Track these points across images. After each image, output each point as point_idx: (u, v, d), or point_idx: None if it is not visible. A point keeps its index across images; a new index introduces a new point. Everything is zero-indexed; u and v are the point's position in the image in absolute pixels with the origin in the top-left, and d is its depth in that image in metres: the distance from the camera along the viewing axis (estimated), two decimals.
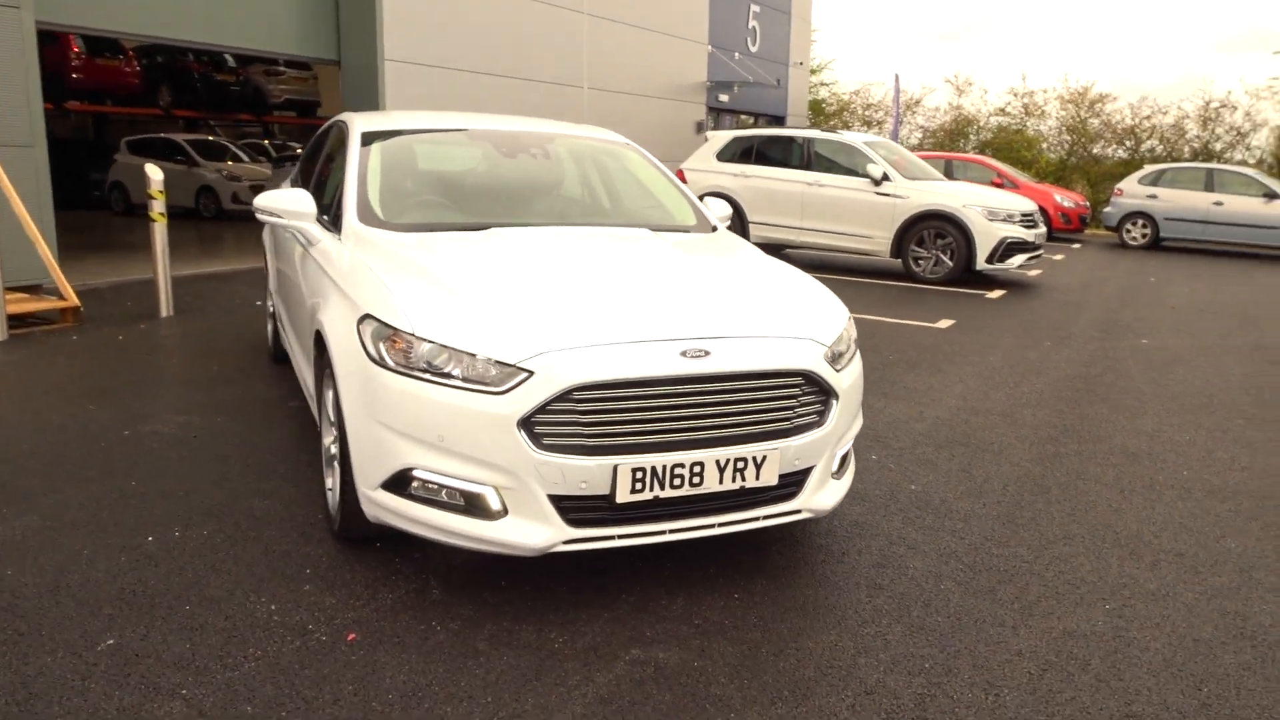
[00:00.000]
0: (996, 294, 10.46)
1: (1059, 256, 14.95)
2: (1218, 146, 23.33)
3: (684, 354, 2.85)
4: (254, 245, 12.32)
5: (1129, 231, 17.47)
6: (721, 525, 2.99)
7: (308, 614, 2.86)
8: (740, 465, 2.92)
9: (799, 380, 3.03)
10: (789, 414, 3.02)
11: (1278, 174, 19.75)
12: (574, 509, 2.79)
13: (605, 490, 2.77)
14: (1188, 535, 3.75)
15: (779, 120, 22.27)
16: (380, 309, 2.99)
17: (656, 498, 2.84)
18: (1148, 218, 17.23)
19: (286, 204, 3.86)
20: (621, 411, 2.78)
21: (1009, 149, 25.01)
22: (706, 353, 2.87)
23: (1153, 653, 2.83)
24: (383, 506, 2.95)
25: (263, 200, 3.92)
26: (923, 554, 3.47)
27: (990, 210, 10.84)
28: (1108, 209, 17.94)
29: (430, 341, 2.83)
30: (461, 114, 4.88)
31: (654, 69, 16.77)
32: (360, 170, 3.99)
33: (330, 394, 3.33)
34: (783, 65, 21.76)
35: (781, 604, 3.05)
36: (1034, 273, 12.37)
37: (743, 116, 21.15)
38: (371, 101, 11.16)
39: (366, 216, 3.74)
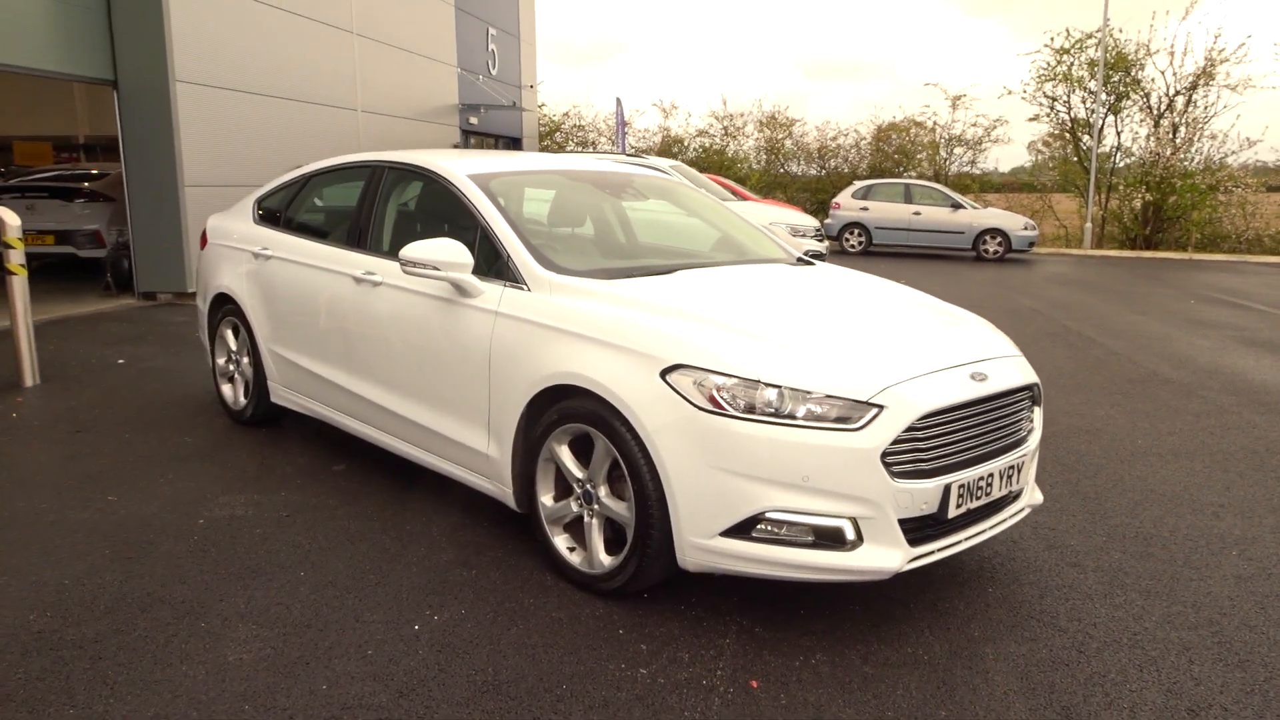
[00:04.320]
0: None
1: None
2: (887, 165, 27.08)
3: (972, 377, 3.19)
4: None
5: (848, 240, 19.86)
6: (992, 528, 3.36)
7: (681, 671, 2.84)
8: (1010, 473, 3.32)
9: (1029, 392, 3.49)
10: (1023, 423, 3.46)
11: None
12: (911, 529, 3.03)
13: (936, 509, 3.04)
14: (1192, 490, 4.69)
15: (516, 142, 22.55)
16: (699, 358, 3.01)
17: (968, 510, 3.16)
18: (862, 227, 19.72)
19: (444, 255, 3.65)
20: (946, 434, 3.07)
21: (716, 168, 27.19)
22: (986, 376, 3.24)
23: None
24: (719, 553, 2.98)
25: (414, 252, 3.66)
26: (1056, 514, 4.06)
27: (794, 227, 12.01)
28: (828, 220, 20.23)
29: (776, 386, 2.93)
30: (518, 154, 4.76)
31: (415, 92, 16.40)
32: (505, 216, 3.84)
33: (565, 450, 3.26)
34: (516, 88, 22.08)
35: (1032, 586, 3.48)
36: None
37: (487, 139, 21.17)
38: (163, 128, 9.96)
39: (548, 265, 3.64)
